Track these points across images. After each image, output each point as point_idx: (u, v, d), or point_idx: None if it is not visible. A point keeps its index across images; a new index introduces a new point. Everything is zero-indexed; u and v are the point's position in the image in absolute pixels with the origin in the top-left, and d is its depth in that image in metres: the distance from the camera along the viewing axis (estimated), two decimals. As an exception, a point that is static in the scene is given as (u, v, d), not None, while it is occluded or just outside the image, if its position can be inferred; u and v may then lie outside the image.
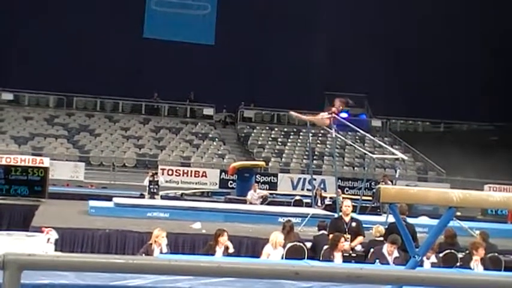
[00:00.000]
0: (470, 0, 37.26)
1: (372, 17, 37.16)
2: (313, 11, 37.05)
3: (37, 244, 10.54)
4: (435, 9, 37.01)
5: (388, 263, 11.19)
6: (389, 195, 7.41)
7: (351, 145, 30.10)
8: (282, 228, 12.81)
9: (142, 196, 21.91)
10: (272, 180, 30.52)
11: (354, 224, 13.08)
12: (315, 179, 24.92)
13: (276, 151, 35.47)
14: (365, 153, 25.25)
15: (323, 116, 17.98)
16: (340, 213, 13.84)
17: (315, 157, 32.76)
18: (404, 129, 40.25)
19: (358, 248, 12.92)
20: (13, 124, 33.75)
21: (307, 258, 11.78)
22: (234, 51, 37.94)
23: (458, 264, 11.91)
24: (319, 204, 21.95)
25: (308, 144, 25.48)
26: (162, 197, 22.16)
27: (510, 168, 28.55)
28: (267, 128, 38.01)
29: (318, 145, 35.68)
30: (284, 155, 35.05)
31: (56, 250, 11.22)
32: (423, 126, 40.82)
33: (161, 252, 11.49)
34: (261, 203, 22.43)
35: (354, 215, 14.01)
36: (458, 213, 14.27)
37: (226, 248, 11.87)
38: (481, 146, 31.05)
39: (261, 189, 25.68)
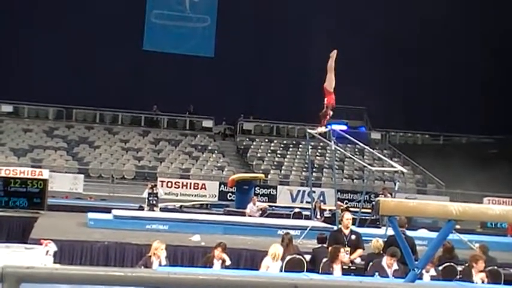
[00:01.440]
0: (470, 15, 37.32)
1: (370, 32, 37.23)
2: (313, 24, 37.13)
3: (36, 256, 10.52)
4: (436, 23, 37.07)
5: (387, 276, 11.17)
6: (389, 208, 7.42)
7: (350, 157, 30.09)
8: (281, 240, 12.80)
9: (141, 208, 21.88)
10: (271, 193, 30.47)
11: (353, 236, 13.06)
12: (314, 192, 24.90)
13: (275, 163, 35.45)
14: (364, 166, 25.26)
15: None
16: (340, 226, 13.82)
17: (314, 169, 32.73)
18: (403, 141, 40.25)
19: (358, 260, 12.89)
20: (12, 136, 33.74)
21: (307, 271, 11.76)
22: (233, 63, 38.00)
23: (458, 277, 11.89)
24: (318, 216, 21.92)
25: (307, 156, 25.52)
26: (161, 209, 22.13)
27: (509, 181, 28.53)
28: (266, 140, 38.02)
29: (317, 157, 35.67)
30: (283, 167, 35.04)
31: (54, 262, 11.20)
32: (422, 138, 40.82)
33: (160, 265, 11.47)
34: (260, 216, 22.41)
35: (354, 228, 13.99)
36: (458, 226, 14.28)
37: (223, 260, 11.88)
38: (480, 159, 31.05)
39: (260, 201, 25.65)
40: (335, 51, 18.42)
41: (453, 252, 13.03)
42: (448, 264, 12.49)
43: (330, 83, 18.19)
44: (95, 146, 34.14)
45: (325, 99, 18.29)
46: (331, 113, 18.34)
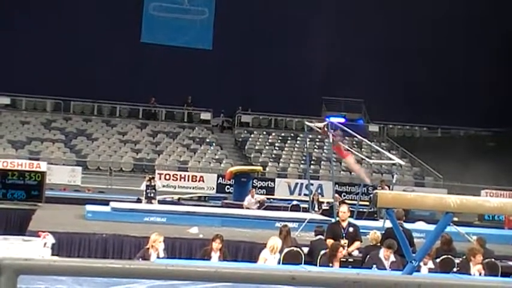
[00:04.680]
0: (471, 7, 37.25)
1: (370, 23, 37.19)
2: (311, 17, 37.10)
3: (34, 248, 10.54)
4: (435, 14, 37.02)
5: (385, 268, 11.19)
6: (387, 200, 7.43)
7: (348, 150, 30.05)
8: (279, 233, 12.81)
9: (139, 201, 21.87)
10: (269, 185, 30.50)
11: (351, 229, 13.07)
12: (312, 184, 24.89)
13: (273, 156, 35.46)
14: (362, 159, 25.25)
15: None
16: (338, 218, 13.84)
17: (312, 162, 32.74)
18: (401, 134, 40.27)
19: (355, 253, 12.91)
20: (10, 128, 33.71)
21: (304, 263, 11.78)
22: (231, 56, 37.94)
23: (455, 269, 11.92)
24: (316, 209, 21.93)
25: (305, 149, 25.53)
26: (159, 202, 22.13)
27: (507, 174, 28.58)
28: (265, 132, 38.01)
29: (315, 150, 35.69)
30: (281, 160, 35.05)
31: (52, 254, 11.22)
32: (420, 131, 40.83)
33: (158, 257, 11.49)
34: (258, 208, 22.43)
35: (351, 220, 14.01)
36: (455, 219, 14.31)
37: (223, 253, 11.87)
38: (478, 152, 31.06)
39: (258, 194, 25.65)
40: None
41: (451, 245, 13.05)
42: (445, 256, 12.51)
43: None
44: (92, 139, 34.12)
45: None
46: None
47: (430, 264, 11.78)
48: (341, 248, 11.95)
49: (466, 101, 36.23)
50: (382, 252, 11.44)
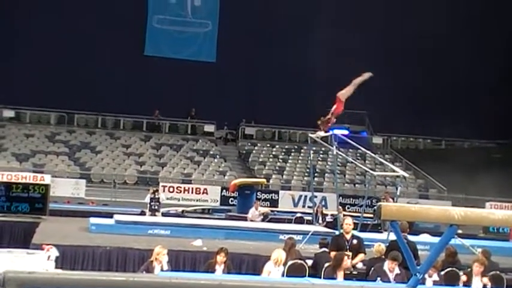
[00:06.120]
0: (472, 18, 37.30)
1: (372, 35, 37.25)
2: (314, 29, 37.14)
3: (37, 261, 10.53)
4: (436, 25, 37.06)
5: (389, 281, 11.15)
6: (391, 213, 7.40)
7: (352, 162, 30.05)
8: (284, 245, 12.80)
9: (143, 213, 21.87)
10: (273, 198, 30.47)
11: (355, 241, 13.05)
12: (316, 196, 24.86)
13: (277, 168, 35.44)
14: (366, 171, 25.21)
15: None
16: (341, 231, 13.82)
17: (316, 174, 32.72)
18: (405, 146, 40.21)
19: (360, 265, 12.88)
20: (14, 141, 33.76)
21: (308, 276, 11.75)
22: (235, 68, 38.01)
23: (462, 282, 11.88)
24: (320, 221, 21.91)
25: (309, 161, 25.53)
26: (163, 214, 22.12)
27: (512, 186, 28.49)
28: (268, 145, 38.01)
29: (319, 162, 35.66)
30: (285, 172, 35.02)
31: (56, 267, 11.21)
32: (424, 143, 40.77)
33: (162, 270, 11.48)
34: (262, 220, 22.40)
35: (355, 233, 13.98)
36: (460, 231, 14.26)
37: (227, 266, 11.85)
38: (482, 164, 30.99)
39: (261, 206, 25.63)
40: (370, 74, 18.47)
41: (456, 257, 13.02)
42: (450, 269, 12.47)
43: (346, 94, 18.16)
44: (96, 151, 34.15)
45: (334, 106, 18.23)
46: (334, 120, 18.39)
47: (435, 277, 11.75)
48: (346, 257, 11.92)
49: (470, 113, 36.17)
50: (387, 265, 11.42)
